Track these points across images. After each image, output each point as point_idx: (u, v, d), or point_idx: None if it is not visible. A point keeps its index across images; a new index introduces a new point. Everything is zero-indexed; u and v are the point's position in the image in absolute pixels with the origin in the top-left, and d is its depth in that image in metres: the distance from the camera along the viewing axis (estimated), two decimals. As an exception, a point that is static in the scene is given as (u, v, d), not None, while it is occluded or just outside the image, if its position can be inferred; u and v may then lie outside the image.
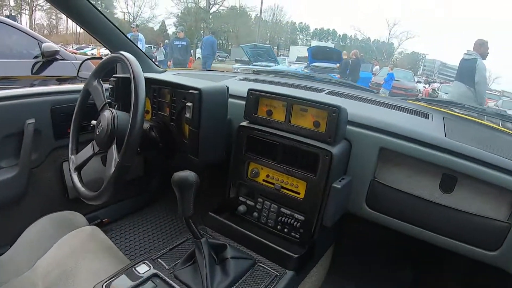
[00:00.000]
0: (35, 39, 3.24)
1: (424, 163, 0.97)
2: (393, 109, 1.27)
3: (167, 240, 1.65)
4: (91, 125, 1.09)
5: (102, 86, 1.10)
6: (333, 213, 0.96)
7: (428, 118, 1.21)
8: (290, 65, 16.21)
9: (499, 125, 1.40)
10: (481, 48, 4.11)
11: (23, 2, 28.38)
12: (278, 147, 1.03)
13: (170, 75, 1.49)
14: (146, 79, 0.96)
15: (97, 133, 1.02)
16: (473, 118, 1.43)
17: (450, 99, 4.07)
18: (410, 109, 1.28)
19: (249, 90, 1.09)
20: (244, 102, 1.12)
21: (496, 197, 0.92)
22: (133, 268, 0.86)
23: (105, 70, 1.12)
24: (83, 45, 23.51)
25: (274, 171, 1.05)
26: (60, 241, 1.02)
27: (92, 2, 1.33)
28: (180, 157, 1.17)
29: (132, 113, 0.89)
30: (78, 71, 1.61)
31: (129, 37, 1.60)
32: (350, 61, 10.41)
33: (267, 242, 1.00)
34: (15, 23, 3.44)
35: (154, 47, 14.48)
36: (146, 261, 0.89)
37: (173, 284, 0.83)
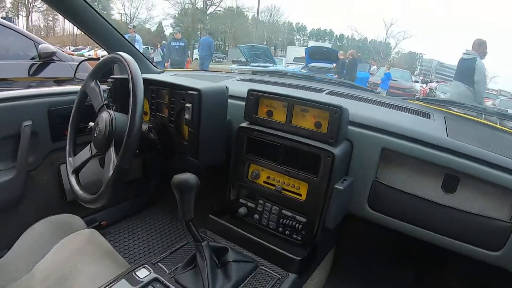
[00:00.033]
0: (32, 40, 3.21)
1: (426, 163, 0.96)
2: (394, 109, 1.26)
3: (166, 243, 1.64)
4: (89, 127, 1.07)
5: (99, 87, 1.09)
6: (335, 215, 0.95)
7: (430, 118, 1.20)
8: (288, 66, 16.20)
9: (496, 124, 1.40)
10: (480, 47, 4.12)
11: (19, 4, 28.30)
12: (279, 148, 1.02)
13: (168, 76, 1.48)
14: (144, 80, 0.94)
15: (95, 135, 1.01)
16: (473, 117, 1.43)
17: (451, 98, 4.08)
18: (411, 109, 1.27)
19: (249, 90, 1.08)
20: (243, 103, 1.11)
21: (498, 197, 0.91)
22: (133, 273, 0.84)
23: (103, 71, 1.11)
24: (80, 46, 23.45)
25: (275, 172, 1.04)
26: (58, 244, 1.00)
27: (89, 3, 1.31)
28: (179, 159, 1.16)
29: (130, 115, 0.88)
30: (75, 72, 1.60)
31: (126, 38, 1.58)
32: (347, 61, 10.43)
33: (269, 245, 0.99)
34: (11, 24, 3.42)
35: (151, 48, 14.45)
36: (146, 265, 0.88)
37: None
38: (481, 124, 1.35)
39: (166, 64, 8.61)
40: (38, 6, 28.66)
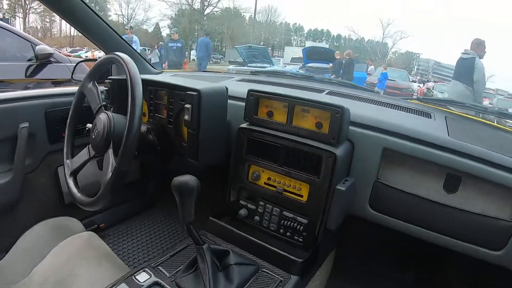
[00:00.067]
0: (29, 41, 3.20)
1: (427, 163, 0.96)
2: (394, 109, 1.26)
3: (166, 246, 1.63)
4: (87, 129, 1.06)
5: (97, 88, 1.07)
6: (337, 216, 0.94)
7: (430, 117, 1.20)
8: (285, 66, 16.25)
9: (494, 122, 1.40)
10: (479, 47, 4.14)
11: (16, 5, 28.23)
12: (280, 149, 1.01)
13: (167, 77, 1.47)
14: (143, 80, 0.93)
15: (93, 137, 1.00)
16: (472, 116, 1.42)
17: (451, 98, 4.09)
18: (412, 109, 1.27)
19: (249, 91, 1.07)
20: (242, 103, 1.10)
21: (500, 196, 0.91)
22: (133, 277, 0.83)
23: (100, 71, 1.10)
24: (77, 47, 23.44)
25: (276, 173, 1.03)
26: (56, 248, 0.99)
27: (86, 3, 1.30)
28: (178, 160, 1.15)
29: (129, 116, 0.87)
30: (73, 73, 1.59)
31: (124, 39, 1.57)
32: (344, 61, 10.44)
33: (270, 247, 0.97)
34: (8, 25, 3.40)
35: (148, 49, 14.44)
36: (146, 268, 0.87)
37: None
38: (482, 124, 1.34)
39: (163, 65, 8.59)
40: (35, 7, 28.67)
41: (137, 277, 0.83)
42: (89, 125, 1.05)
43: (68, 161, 1.10)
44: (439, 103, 1.51)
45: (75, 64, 1.62)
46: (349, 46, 32.51)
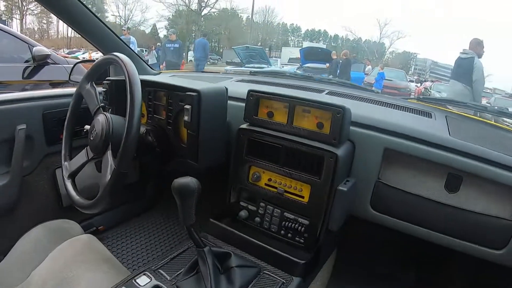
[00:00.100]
0: (26, 43, 3.19)
1: (429, 163, 0.95)
2: (395, 109, 1.25)
3: (165, 248, 1.62)
4: (85, 130, 1.05)
5: (95, 89, 1.06)
6: (339, 217, 0.93)
7: (431, 117, 1.19)
8: (283, 67, 16.23)
9: (491, 121, 1.41)
10: (478, 47, 4.16)
11: (13, 7, 28.15)
12: (281, 150, 1.00)
13: (165, 77, 1.46)
14: (141, 81, 0.92)
15: (91, 139, 0.99)
16: (472, 115, 1.42)
17: (451, 97, 4.10)
18: (412, 108, 1.27)
19: (249, 91, 1.06)
20: (242, 104, 1.09)
21: (502, 195, 0.91)
22: (133, 280, 0.82)
23: (98, 72, 1.08)
24: (74, 49, 23.43)
25: (277, 174, 1.03)
26: (55, 251, 0.98)
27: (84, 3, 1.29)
28: (177, 162, 1.14)
29: (128, 117, 0.86)
30: (70, 74, 1.58)
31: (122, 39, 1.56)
32: (340, 61, 10.45)
33: (272, 249, 0.97)
34: (5, 27, 3.39)
35: (146, 50, 14.44)
36: (146, 272, 0.86)
37: None
38: (482, 123, 1.35)
39: (161, 66, 8.59)
40: (32, 9, 28.62)
41: (137, 280, 0.82)
42: (87, 127, 1.04)
43: (66, 163, 1.08)
44: (439, 102, 1.51)
45: (72, 66, 1.61)
46: (346, 46, 32.58)
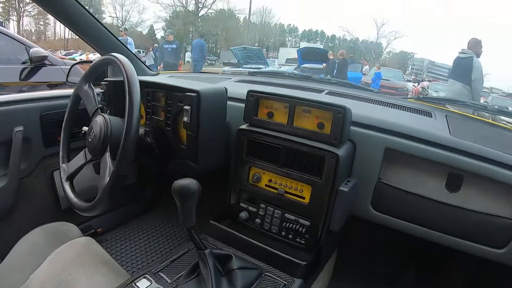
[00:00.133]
0: (23, 44, 3.18)
1: (430, 162, 0.95)
2: (395, 108, 1.25)
3: (165, 250, 1.60)
4: (83, 132, 1.04)
5: (93, 90, 1.06)
6: (340, 217, 0.93)
7: (431, 116, 1.19)
8: (280, 67, 16.26)
9: (489, 119, 1.41)
10: (476, 46, 4.18)
11: (10, 8, 28.08)
12: (281, 150, 1.00)
13: (164, 78, 1.45)
14: (140, 82, 0.91)
15: (89, 140, 0.98)
16: (471, 115, 1.42)
17: (450, 97, 4.12)
18: (412, 108, 1.26)
19: (249, 91, 1.05)
20: (241, 104, 1.09)
21: (502, 194, 0.91)
22: (133, 283, 0.81)
23: (96, 73, 1.08)
24: (71, 50, 23.34)
25: (277, 175, 1.02)
26: (53, 254, 0.97)
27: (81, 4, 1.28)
28: (177, 163, 1.13)
29: (127, 118, 0.85)
30: (67, 76, 1.58)
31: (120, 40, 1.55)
32: (337, 61, 10.46)
33: (273, 250, 0.96)
34: (2, 28, 3.39)
35: (143, 52, 14.41)
36: (146, 275, 0.85)
37: None
38: (482, 122, 1.35)
39: (158, 67, 8.56)
40: (29, 10, 28.56)
41: (137, 284, 0.81)
42: (85, 128, 1.03)
43: (64, 165, 1.08)
44: (439, 102, 1.51)
45: (70, 67, 1.60)
46: (343, 46, 32.57)
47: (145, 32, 33.14)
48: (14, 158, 1.22)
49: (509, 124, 1.35)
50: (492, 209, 0.92)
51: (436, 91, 11.54)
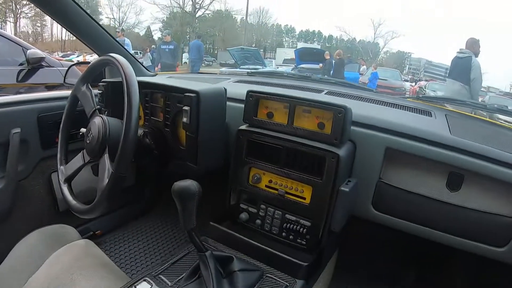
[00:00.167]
0: (20, 46, 3.17)
1: (430, 161, 0.95)
2: (395, 108, 1.25)
3: (165, 252, 1.60)
4: (81, 133, 1.04)
5: (91, 91, 1.05)
6: (341, 218, 0.92)
7: (431, 116, 1.19)
8: (277, 68, 16.22)
9: (487, 118, 1.42)
10: (474, 46, 4.20)
11: (7, 10, 28.00)
12: (281, 151, 0.99)
13: (162, 79, 1.44)
14: (138, 83, 0.90)
15: (88, 142, 0.97)
16: (470, 114, 1.42)
17: (449, 96, 4.14)
18: (412, 107, 1.26)
19: (249, 92, 1.05)
20: (240, 105, 1.08)
21: (503, 193, 0.90)
22: (133, 287, 0.80)
23: (94, 74, 1.07)
24: (68, 52, 23.33)
25: (277, 176, 1.01)
26: (52, 257, 0.96)
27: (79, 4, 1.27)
28: (176, 164, 1.12)
29: (125, 119, 0.84)
30: (65, 77, 1.56)
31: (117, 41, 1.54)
32: (333, 61, 10.46)
33: (274, 251, 0.95)
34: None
35: (140, 53, 14.38)
36: (146, 277, 0.84)
37: None
38: (480, 121, 1.35)
39: (156, 68, 8.54)
40: (26, 12, 28.45)
41: (138, 287, 0.81)
42: (83, 130, 1.03)
43: (62, 167, 1.07)
44: (438, 101, 1.51)
45: (67, 68, 1.59)
46: (340, 46, 32.66)
47: (142, 33, 33.16)
48: (11, 160, 1.21)
49: (508, 123, 1.35)
50: (492, 207, 0.92)
51: (434, 90, 11.59)
